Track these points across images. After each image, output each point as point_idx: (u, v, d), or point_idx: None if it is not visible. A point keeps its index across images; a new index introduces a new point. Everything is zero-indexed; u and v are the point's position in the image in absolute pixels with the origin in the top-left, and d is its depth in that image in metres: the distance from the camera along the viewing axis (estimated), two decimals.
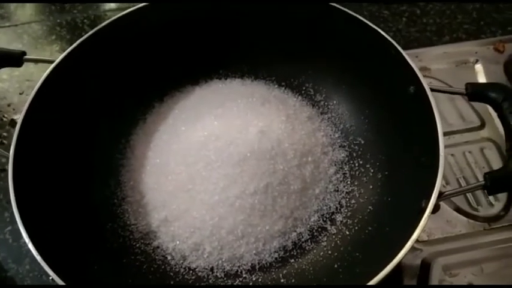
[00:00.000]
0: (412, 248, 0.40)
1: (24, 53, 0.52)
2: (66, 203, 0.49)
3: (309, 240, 0.51)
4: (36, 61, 0.55)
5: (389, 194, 0.51)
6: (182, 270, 0.49)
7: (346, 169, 0.55)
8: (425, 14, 0.79)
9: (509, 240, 0.54)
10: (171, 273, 0.49)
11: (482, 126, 0.64)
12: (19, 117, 0.47)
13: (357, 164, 0.56)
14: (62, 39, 0.78)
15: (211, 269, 0.49)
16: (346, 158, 0.56)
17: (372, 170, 0.54)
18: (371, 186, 0.53)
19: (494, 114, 0.52)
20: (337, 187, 0.54)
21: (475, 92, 0.48)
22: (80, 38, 0.53)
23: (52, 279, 0.39)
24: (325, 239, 0.51)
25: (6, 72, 0.72)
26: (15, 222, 0.41)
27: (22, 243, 0.56)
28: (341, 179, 0.55)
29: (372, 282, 0.38)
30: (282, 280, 0.49)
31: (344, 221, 0.52)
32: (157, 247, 0.50)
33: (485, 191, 0.44)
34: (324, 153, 0.55)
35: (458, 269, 0.52)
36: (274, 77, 0.62)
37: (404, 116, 0.51)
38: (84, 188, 0.52)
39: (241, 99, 0.57)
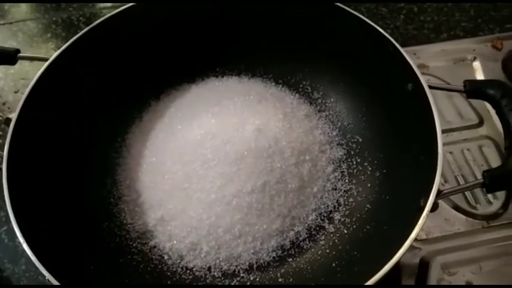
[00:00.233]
0: (411, 247, 0.40)
1: (18, 51, 0.51)
2: (62, 203, 0.48)
3: (307, 239, 0.51)
4: (30, 59, 0.55)
5: (387, 193, 0.51)
6: (179, 269, 0.49)
7: (344, 167, 0.55)
8: (423, 11, 0.78)
9: (508, 238, 0.54)
10: (168, 273, 0.49)
11: (480, 123, 0.64)
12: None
13: (355, 162, 0.55)
14: (57, 37, 0.77)
15: (209, 269, 0.49)
16: (344, 156, 0.56)
17: (370, 168, 0.54)
18: (369, 185, 0.53)
19: (492, 111, 0.52)
20: (335, 185, 0.54)
21: (473, 89, 0.48)
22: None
23: (48, 279, 0.39)
24: (323, 237, 0.51)
25: (1, 70, 0.72)
26: (11, 222, 0.41)
27: (18, 243, 0.55)
28: (339, 177, 0.54)
29: (370, 282, 0.38)
30: (280, 279, 0.48)
31: (342, 219, 0.52)
32: (154, 246, 0.50)
33: (484, 189, 0.43)
34: (322, 152, 0.55)
35: (457, 268, 0.52)
36: (271, 74, 0.62)
37: (403, 113, 0.51)
38: (79, 187, 0.51)
39: (238, 97, 0.57)
